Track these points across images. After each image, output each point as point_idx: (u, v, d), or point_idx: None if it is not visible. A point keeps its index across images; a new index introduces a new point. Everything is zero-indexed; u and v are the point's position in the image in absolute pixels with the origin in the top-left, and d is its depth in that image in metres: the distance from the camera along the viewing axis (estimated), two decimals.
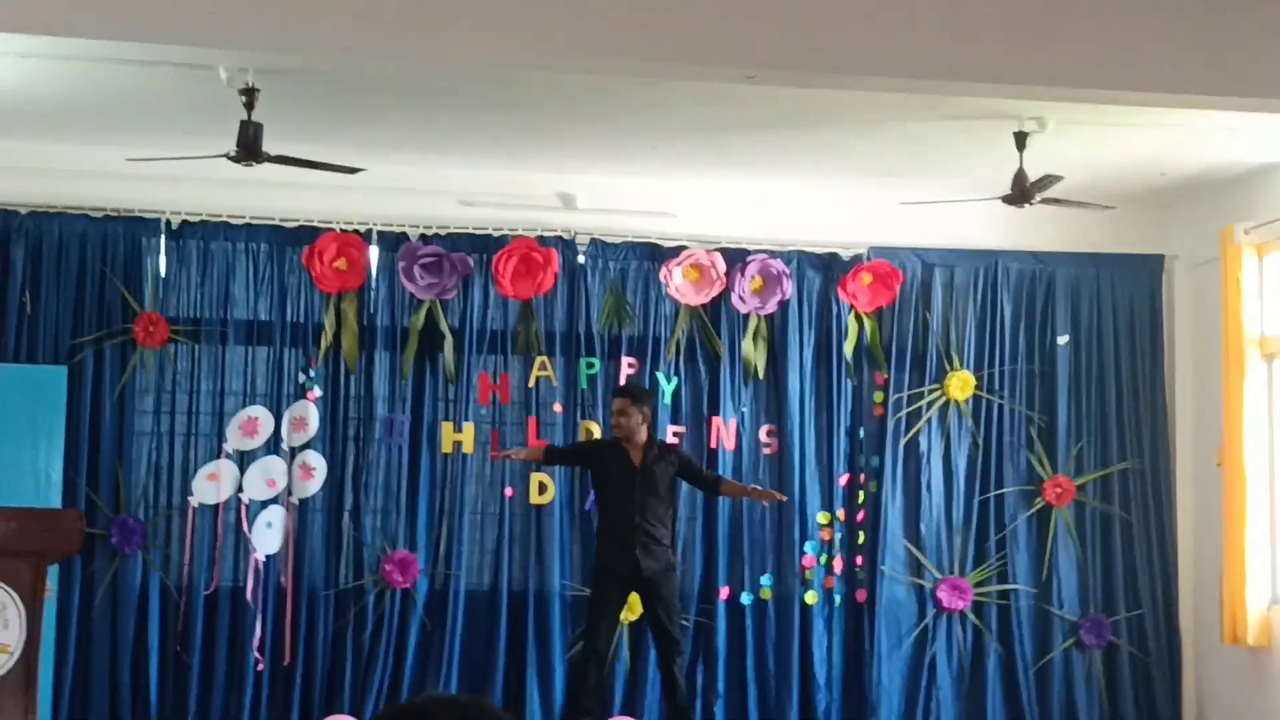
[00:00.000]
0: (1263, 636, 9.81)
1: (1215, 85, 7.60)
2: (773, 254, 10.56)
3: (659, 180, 10.41)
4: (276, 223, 10.21)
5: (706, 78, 7.75)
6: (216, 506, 10.00)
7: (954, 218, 10.33)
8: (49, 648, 9.08)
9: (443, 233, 10.33)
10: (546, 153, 9.92)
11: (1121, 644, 10.63)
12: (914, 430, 10.64)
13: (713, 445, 10.46)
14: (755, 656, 10.38)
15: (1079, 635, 10.59)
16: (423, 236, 10.31)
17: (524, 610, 10.20)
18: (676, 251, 10.48)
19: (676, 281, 10.45)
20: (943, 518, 10.62)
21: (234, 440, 10.06)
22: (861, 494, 10.61)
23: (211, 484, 10.00)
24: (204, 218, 10.13)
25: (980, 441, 10.68)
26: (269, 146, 8.46)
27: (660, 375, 10.45)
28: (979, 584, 10.58)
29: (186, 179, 9.37)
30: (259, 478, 10.06)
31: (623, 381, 10.25)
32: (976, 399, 10.71)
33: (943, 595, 10.51)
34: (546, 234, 10.38)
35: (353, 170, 8.84)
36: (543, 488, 10.27)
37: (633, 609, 9.62)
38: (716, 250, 10.49)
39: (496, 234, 10.35)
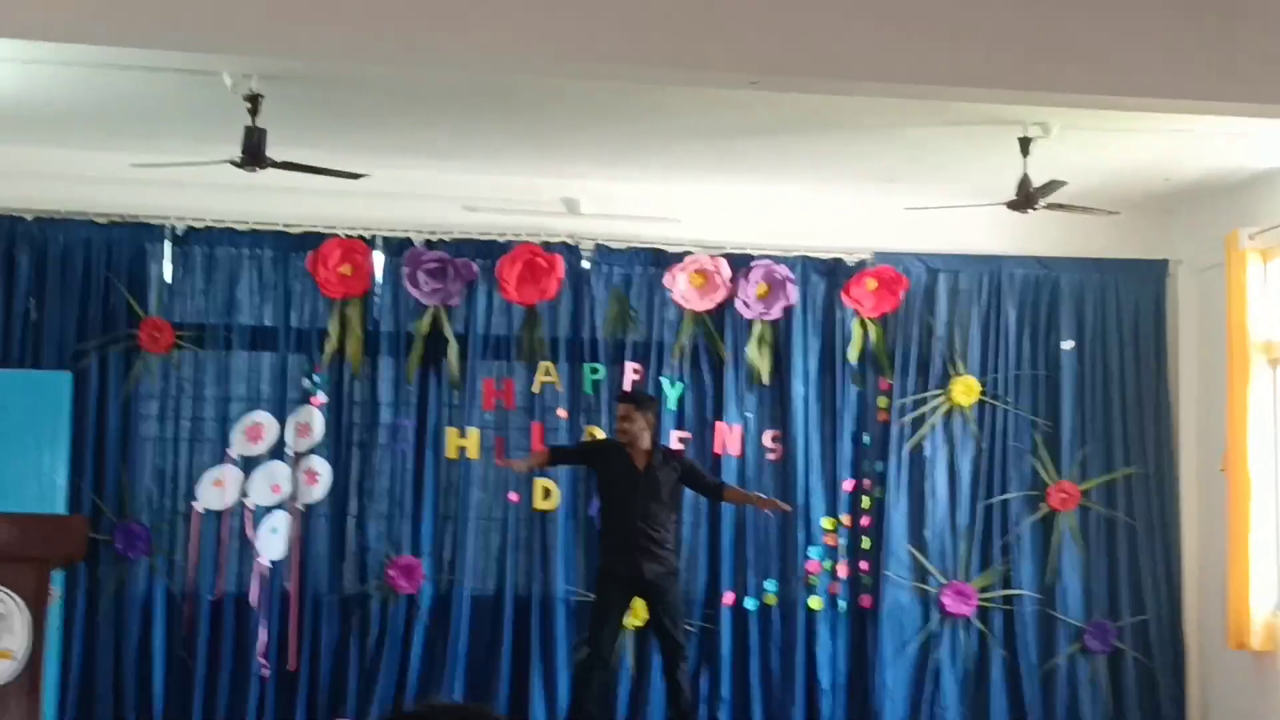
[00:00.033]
0: (1268, 641, 9.80)
1: (1220, 91, 7.60)
2: (777, 259, 10.56)
3: (663, 185, 10.42)
4: (281, 228, 10.22)
5: (710, 83, 7.76)
6: (221, 512, 10.00)
7: (958, 223, 10.32)
8: (53, 653, 9.09)
9: (447, 238, 10.34)
10: (550, 158, 9.93)
11: (1126, 649, 10.62)
12: (918, 435, 10.64)
13: (717, 451, 10.46)
14: (759, 662, 10.38)
15: (1084, 640, 10.59)
16: (427, 242, 10.32)
17: (528, 616, 10.20)
18: (681, 257, 10.48)
19: (681, 287, 10.45)
20: (947, 523, 10.62)
21: (239, 446, 10.07)
22: (866, 499, 10.60)
23: (216, 489, 10.01)
24: (209, 223, 10.14)
25: (985, 447, 10.68)
26: (273, 152, 8.47)
27: (665, 381, 10.46)
28: (983, 589, 10.58)
29: (191, 185, 9.37)
30: (264, 483, 10.06)
31: (627, 387, 10.26)
32: (981, 404, 10.71)
33: (947, 600, 10.51)
34: (551, 239, 10.39)
35: (356, 176, 8.84)
36: (547, 493, 10.27)
37: (637, 614, 9.63)
38: (721, 256, 10.50)
39: (501, 240, 10.35)
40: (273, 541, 10.01)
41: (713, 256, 10.49)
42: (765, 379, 10.56)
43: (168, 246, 10.11)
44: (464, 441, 10.25)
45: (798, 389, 10.56)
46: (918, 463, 10.65)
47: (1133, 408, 10.81)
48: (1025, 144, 8.94)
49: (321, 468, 10.12)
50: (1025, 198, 9.11)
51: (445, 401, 10.30)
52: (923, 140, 9.18)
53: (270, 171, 8.58)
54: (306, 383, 10.19)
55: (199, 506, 9.98)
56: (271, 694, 9.94)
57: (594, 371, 10.42)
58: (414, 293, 10.23)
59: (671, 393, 10.45)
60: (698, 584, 10.35)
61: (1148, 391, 10.84)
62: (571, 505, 10.31)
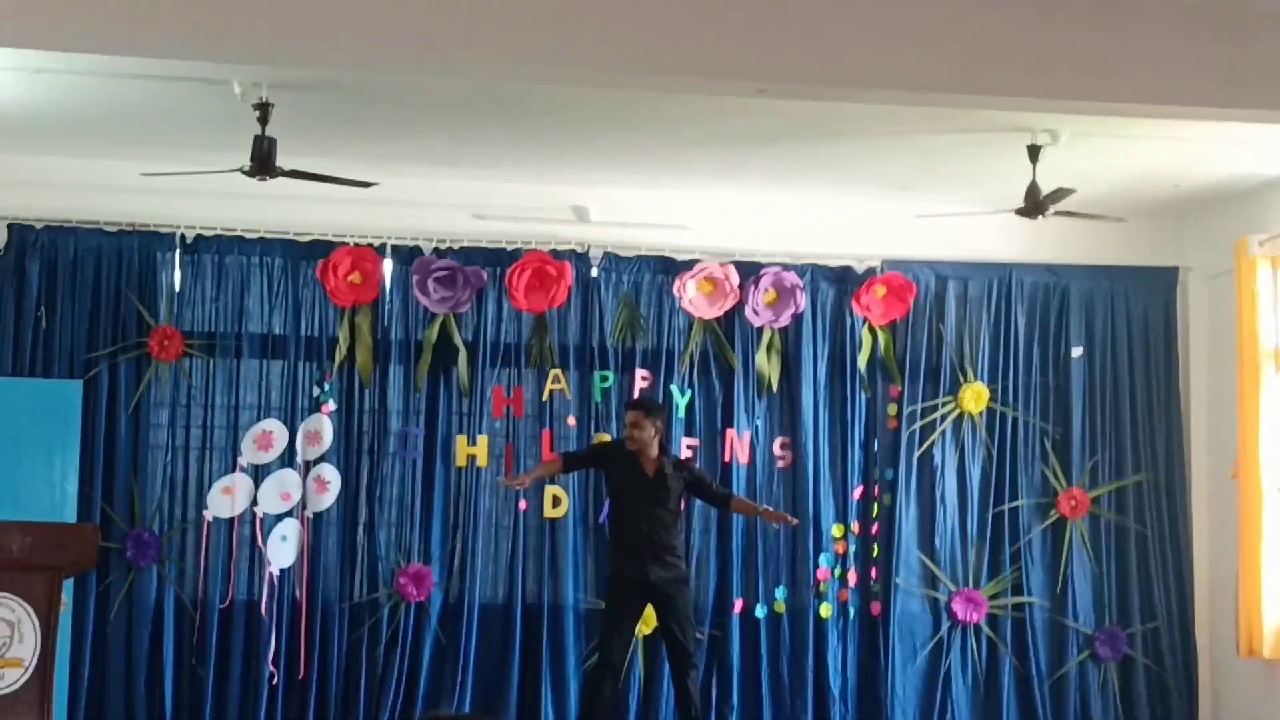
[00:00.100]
0: (1278, 649, 9.78)
1: (1229, 97, 7.61)
2: (786, 267, 10.55)
3: (672, 193, 10.42)
4: (290, 237, 10.23)
5: (719, 91, 7.77)
6: (231, 520, 10.01)
7: (967, 230, 10.33)
8: (64, 662, 9.10)
9: (456, 246, 10.34)
10: (560, 166, 9.93)
11: (1137, 657, 10.61)
12: (928, 443, 10.63)
13: (726, 458, 10.46)
14: (769, 669, 10.37)
15: (1094, 648, 10.57)
16: (436, 250, 10.33)
17: (538, 623, 10.19)
18: (690, 264, 10.48)
19: (690, 294, 10.45)
20: (957, 530, 10.61)
21: (248, 454, 10.08)
22: (876, 506, 10.59)
23: (226, 498, 10.01)
24: (218, 232, 10.15)
25: (994, 454, 10.67)
26: (283, 161, 8.48)
27: (674, 388, 10.45)
28: (994, 596, 10.56)
29: (201, 193, 9.38)
30: (274, 491, 10.07)
31: (636, 395, 10.25)
32: (990, 411, 10.70)
33: (957, 608, 10.50)
34: (560, 247, 10.39)
35: (366, 184, 8.85)
36: (556, 501, 10.27)
37: (648, 622, 9.62)
38: (730, 263, 10.50)
39: (510, 247, 10.36)
40: (283, 549, 10.01)
41: (722, 264, 10.49)
42: (774, 386, 10.55)
43: (178, 255, 10.12)
44: (474, 449, 10.26)
45: (807, 396, 10.56)
46: (927, 470, 10.64)
47: (1143, 415, 10.80)
48: (1034, 151, 8.95)
49: (331, 476, 10.12)
50: (1034, 205, 9.10)
51: (455, 409, 10.30)
52: (931, 148, 9.17)
53: (280, 180, 8.60)
54: (316, 391, 10.20)
55: (209, 514, 9.99)
56: (281, 702, 9.93)
57: (603, 379, 10.41)
58: (423, 301, 10.24)
59: (681, 400, 10.44)
60: (708, 591, 10.34)
61: (1158, 398, 10.83)
62: (581, 513, 10.31)
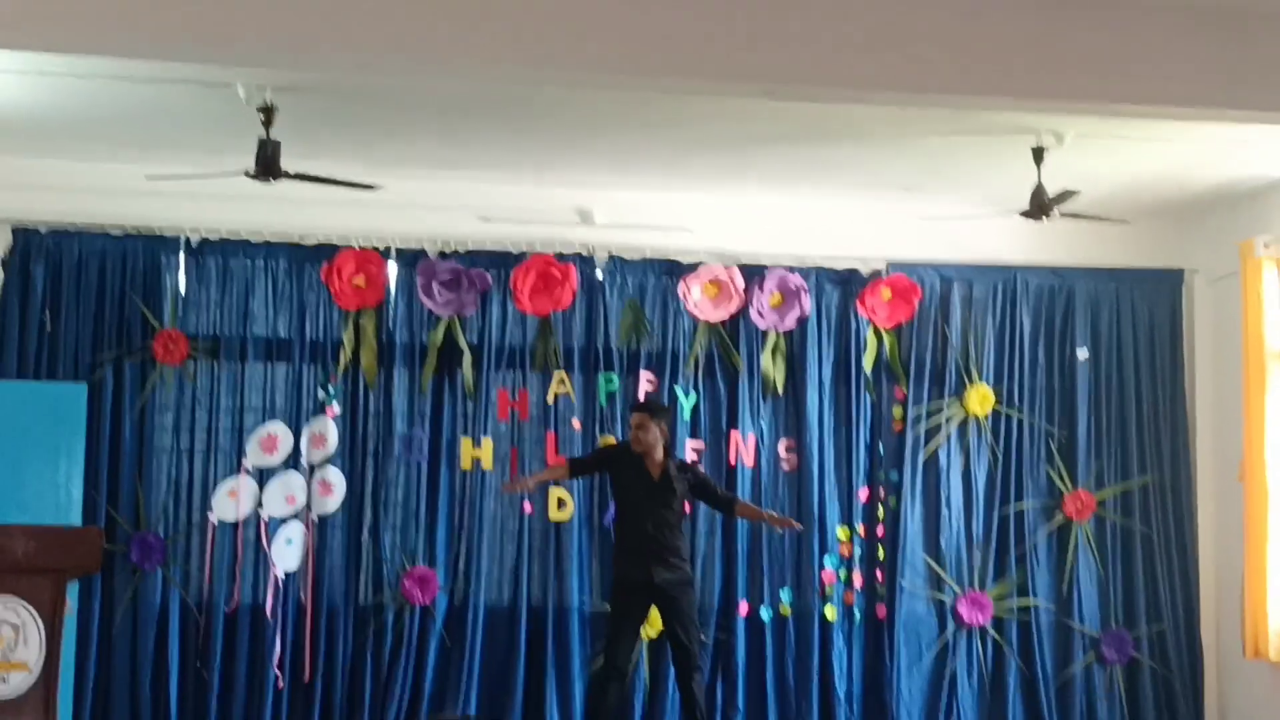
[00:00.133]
0: None
1: (1234, 99, 7.61)
2: (791, 269, 10.55)
3: (677, 195, 10.41)
4: (295, 240, 10.23)
5: (724, 93, 7.76)
6: (236, 523, 10.01)
7: (972, 232, 10.33)
8: (69, 665, 9.07)
9: (461, 249, 10.34)
10: (564, 168, 9.93)
11: (1143, 659, 10.60)
12: (933, 445, 10.63)
13: (731, 461, 10.46)
14: (775, 672, 10.36)
15: (1100, 650, 10.57)
16: (441, 253, 10.33)
17: (543, 626, 10.19)
18: (695, 267, 10.48)
19: (695, 297, 10.45)
20: (962, 532, 10.61)
21: (253, 457, 10.08)
22: (881, 509, 10.59)
23: (231, 501, 10.02)
24: (223, 235, 10.15)
25: (1000, 456, 10.67)
26: (287, 164, 8.49)
27: (679, 391, 10.45)
28: (999, 599, 10.56)
29: (205, 196, 9.39)
30: (278, 494, 10.07)
31: (641, 397, 10.25)
32: (996, 414, 10.69)
33: (963, 610, 10.49)
34: (565, 250, 10.39)
35: (370, 187, 8.86)
36: (561, 503, 10.27)
37: (653, 624, 9.61)
38: (735, 266, 10.49)
39: (515, 250, 10.36)
40: (287, 552, 10.01)
41: (727, 266, 10.49)
42: (779, 389, 10.55)
43: (182, 258, 10.12)
44: (478, 452, 10.25)
45: (812, 399, 10.55)
46: (933, 472, 10.63)
47: (1148, 417, 10.80)
48: (1039, 153, 8.94)
49: (336, 478, 10.12)
50: (1039, 207, 9.10)
51: (460, 412, 10.30)
52: (936, 150, 9.17)
53: (284, 183, 8.60)
54: (321, 393, 10.20)
55: (214, 517, 9.99)
56: (286, 705, 9.93)
57: (608, 382, 10.42)
58: (428, 303, 10.24)
59: (686, 403, 10.44)
60: (713, 594, 10.34)
61: (1163, 401, 10.82)
62: (586, 516, 10.31)
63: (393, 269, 10.29)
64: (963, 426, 10.68)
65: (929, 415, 10.66)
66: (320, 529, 10.10)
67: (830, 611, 10.43)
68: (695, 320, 10.50)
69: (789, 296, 10.53)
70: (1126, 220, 9.94)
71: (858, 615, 10.49)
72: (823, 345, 10.63)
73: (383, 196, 9.16)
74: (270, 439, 10.10)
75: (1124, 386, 10.81)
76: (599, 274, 10.47)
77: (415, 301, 10.28)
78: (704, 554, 10.32)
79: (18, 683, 5.42)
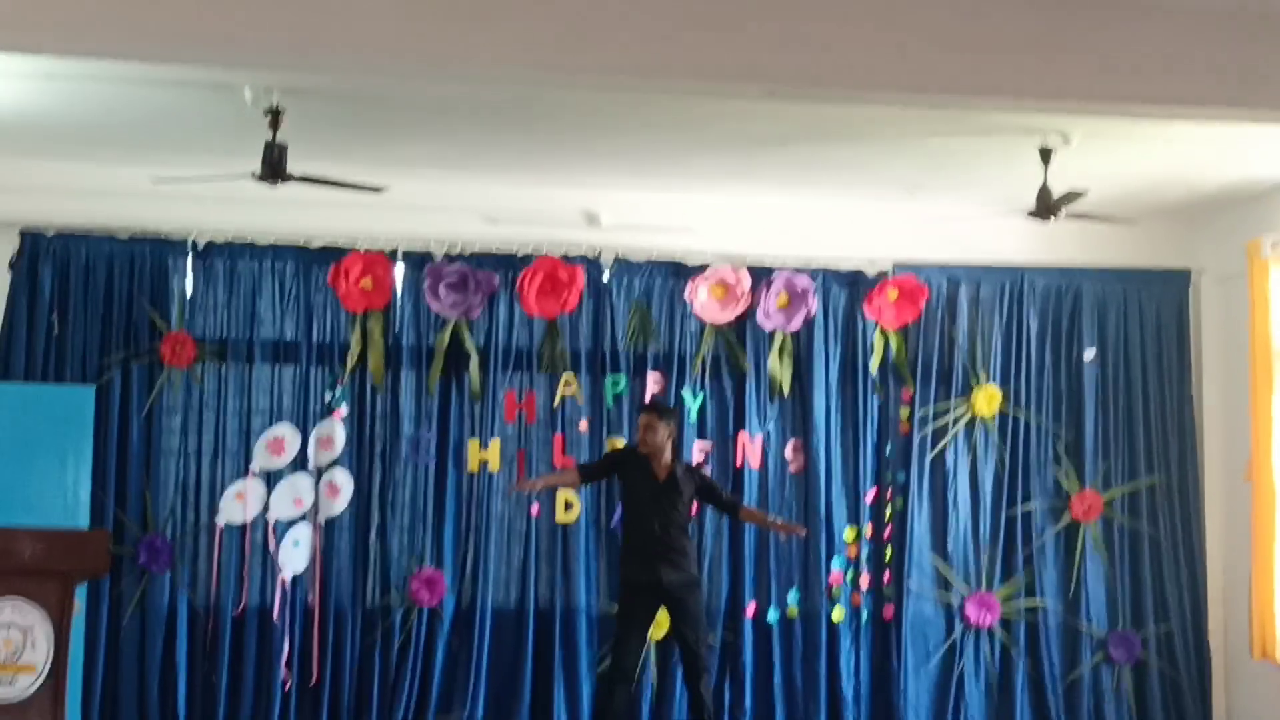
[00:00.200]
0: None
1: (1240, 99, 7.59)
2: (798, 270, 10.55)
3: (683, 197, 10.41)
4: (302, 242, 10.24)
5: (729, 94, 7.76)
6: (244, 525, 10.02)
7: (979, 233, 10.33)
8: (77, 667, 9.11)
9: (467, 251, 10.35)
10: (571, 170, 9.93)
11: (1150, 659, 10.59)
12: (940, 446, 10.63)
13: (738, 462, 10.46)
14: (782, 673, 10.36)
15: (1108, 651, 10.56)
16: (448, 255, 10.34)
17: (550, 628, 10.20)
18: (701, 269, 10.49)
19: (701, 299, 10.46)
20: (969, 533, 10.61)
21: (261, 459, 10.09)
22: (888, 510, 10.59)
23: (239, 503, 10.03)
24: (230, 238, 10.17)
25: (1007, 457, 10.66)
26: (294, 166, 8.49)
27: (686, 392, 10.46)
28: (1007, 599, 10.55)
29: (212, 199, 9.39)
30: (286, 496, 10.08)
31: (648, 398, 10.26)
32: (1003, 414, 10.69)
33: (970, 611, 10.49)
34: (571, 252, 10.39)
35: (376, 189, 8.86)
36: (568, 505, 10.27)
37: (660, 626, 9.61)
38: (741, 267, 10.49)
39: (521, 252, 10.36)
40: (295, 554, 10.03)
41: (733, 268, 10.49)
42: (786, 390, 10.55)
43: (189, 261, 10.14)
44: (486, 454, 10.26)
45: (819, 400, 10.55)
46: (940, 473, 10.63)
47: (1156, 417, 10.79)
48: (1046, 153, 8.93)
49: (343, 480, 10.13)
50: (1046, 207, 9.09)
51: (467, 414, 10.31)
52: (942, 150, 9.16)
53: (291, 185, 8.61)
54: (328, 396, 10.21)
55: (221, 520, 10.00)
56: (294, 707, 9.95)
57: (615, 383, 10.42)
58: (435, 306, 10.25)
59: (693, 404, 10.45)
60: (720, 596, 10.34)
61: (1171, 401, 10.81)
62: (593, 517, 10.32)
63: (399, 271, 10.30)
64: (970, 427, 10.67)
65: (936, 416, 10.65)
66: (328, 531, 10.11)
67: (837, 613, 10.43)
68: (702, 322, 10.50)
69: (795, 298, 10.53)
70: (1133, 221, 9.93)
71: (865, 616, 10.49)
72: (829, 346, 10.63)
73: (389, 199, 9.16)
74: (277, 441, 10.11)
75: (1131, 387, 10.80)
76: (605, 276, 10.47)
77: (422, 304, 10.29)
78: (711, 555, 10.33)
79: (25, 685, 5.43)
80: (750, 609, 10.36)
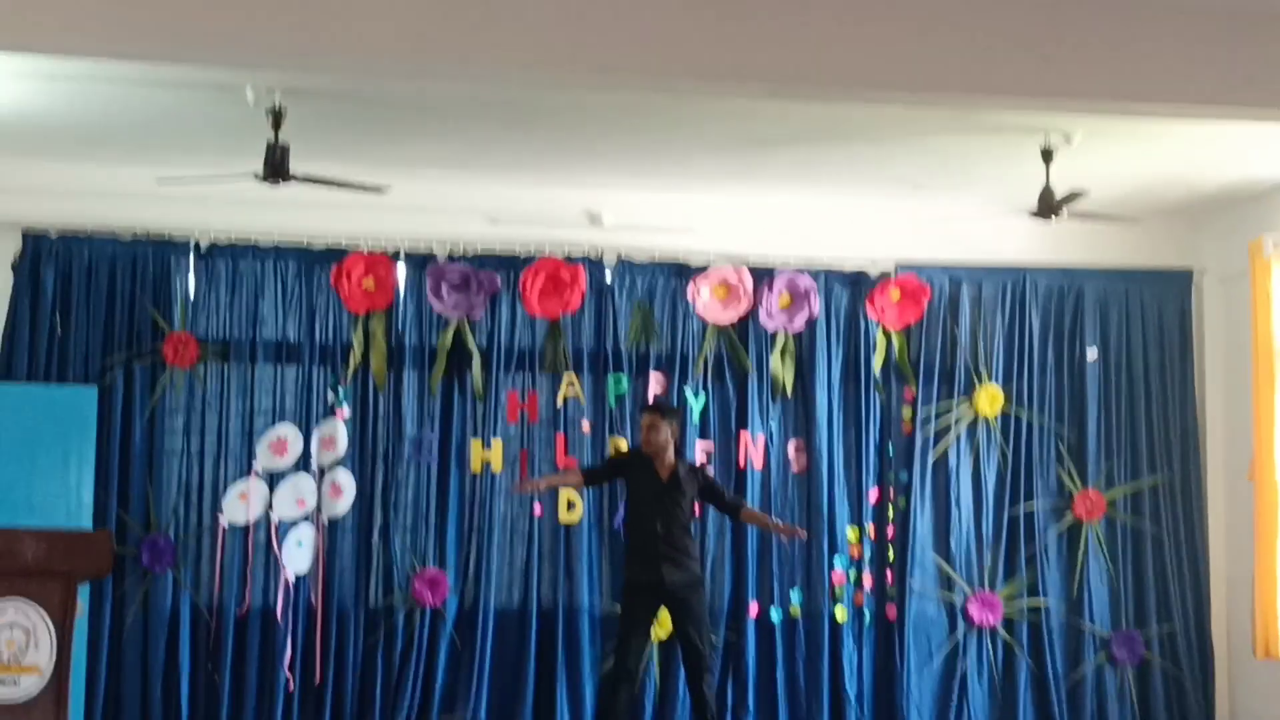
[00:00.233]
0: None
1: (1243, 97, 7.61)
2: (800, 270, 10.55)
3: (685, 197, 10.41)
4: (304, 243, 10.24)
5: (730, 94, 7.76)
6: (246, 526, 10.01)
7: (981, 233, 10.33)
8: (80, 668, 9.10)
9: (470, 252, 10.35)
10: (573, 170, 9.93)
11: (1153, 659, 10.58)
12: (943, 445, 10.62)
13: (741, 462, 10.45)
14: (785, 673, 10.36)
15: (1111, 650, 10.56)
16: (450, 255, 10.34)
17: (553, 628, 10.19)
18: (703, 269, 10.48)
19: (704, 299, 10.46)
20: (972, 533, 10.60)
21: (263, 459, 10.09)
22: (890, 509, 10.58)
23: (241, 503, 10.02)
24: (232, 238, 10.16)
25: (1009, 456, 10.66)
26: (296, 167, 8.49)
27: (689, 392, 10.45)
28: (1009, 599, 10.55)
29: (215, 200, 9.39)
30: (289, 497, 10.08)
31: (651, 399, 10.25)
32: (1005, 414, 10.68)
33: (973, 611, 10.48)
34: (573, 252, 10.39)
35: (378, 189, 8.86)
36: (571, 505, 10.27)
37: (663, 626, 9.61)
38: (743, 267, 10.49)
39: (523, 253, 10.36)
40: (298, 555, 10.02)
41: (735, 268, 10.49)
42: (789, 390, 10.55)
43: (192, 261, 10.14)
44: (488, 454, 10.26)
45: (821, 400, 10.55)
46: (942, 472, 10.63)
47: (1158, 417, 10.78)
48: (1048, 153, 8.93)
49: (346, 481, 10.13)
50: (1048, 207, 9.09)
51: (469, 414, 10.30)
52: (945, 150, 9.16)
53: (293, 186, 8.60)
54: (331, 396, 10.21)
55: (224, 520, 10.00)
56: (297, 707, 9.94)
57: (618, 384, 10.42)
58: (437, 306, 10.25)
59: (695, 404, 10.44)
60: (723, 595, 10.34)
61: (1173, 400, 10.80)
62: (596, 517, 10.31)
63: (402, 271, 10.29)
64: (972, 427, 10.67)
65: (938, 416, 10.65)
66: (330, 531, 10.11)
67: (840, 612, 10.42)
68: (704, 322, 10.50)
69: (798, 298, 10.52)
70: (1135, 220, 9.93)
71: (868, 616, 10.48)
72: (832, 346, 10.63)
73: (391, 199, 9.16)
74: (280, 442, 10.11)
75: (1134, 386, 10.80)
76: (608, 276, 10.47)
77: (424, 304, 10.28)
78: (714, 555, 10.32)
79: (29, 685, 5.43)
80: (753, 609, 10.35)
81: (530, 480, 9.90)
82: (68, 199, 9.88)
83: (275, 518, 10.03)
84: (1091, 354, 10.78)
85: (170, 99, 8.31)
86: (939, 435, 10.64)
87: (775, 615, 10.37)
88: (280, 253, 10.24)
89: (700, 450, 10.37)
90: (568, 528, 10.28)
